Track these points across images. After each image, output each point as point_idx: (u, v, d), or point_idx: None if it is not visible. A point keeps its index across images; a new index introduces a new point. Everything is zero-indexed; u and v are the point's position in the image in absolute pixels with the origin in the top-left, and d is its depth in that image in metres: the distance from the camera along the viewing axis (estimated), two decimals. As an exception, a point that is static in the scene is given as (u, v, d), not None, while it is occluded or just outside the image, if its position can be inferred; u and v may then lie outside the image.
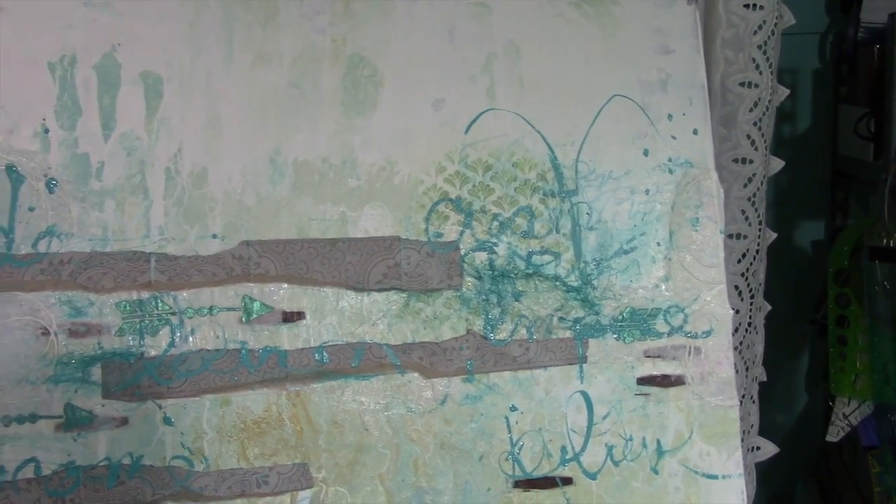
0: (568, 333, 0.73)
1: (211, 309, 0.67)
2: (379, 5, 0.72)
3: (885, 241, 1.02)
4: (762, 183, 0.90)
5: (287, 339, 0.68)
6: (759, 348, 0.96)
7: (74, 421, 0.65)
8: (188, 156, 0.68)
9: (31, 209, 0.65)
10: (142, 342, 0.66)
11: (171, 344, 0.66)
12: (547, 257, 0.73)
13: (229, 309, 0.67)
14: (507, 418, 0.72)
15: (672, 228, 0.75)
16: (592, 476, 0.72)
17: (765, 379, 0.99)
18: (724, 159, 0.88)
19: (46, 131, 0.65)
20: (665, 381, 0.74)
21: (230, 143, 0.68)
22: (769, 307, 0.98)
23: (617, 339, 0.73)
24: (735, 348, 0.85)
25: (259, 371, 0.67)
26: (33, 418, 0.64)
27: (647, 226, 0.74)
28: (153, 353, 0.66)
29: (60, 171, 0.65)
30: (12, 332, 0.64)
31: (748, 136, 0.89)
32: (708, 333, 0.75)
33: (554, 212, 0.73)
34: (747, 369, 0.93)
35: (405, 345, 0.70)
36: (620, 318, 0.74)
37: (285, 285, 0.68)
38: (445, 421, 0.71)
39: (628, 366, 0.73)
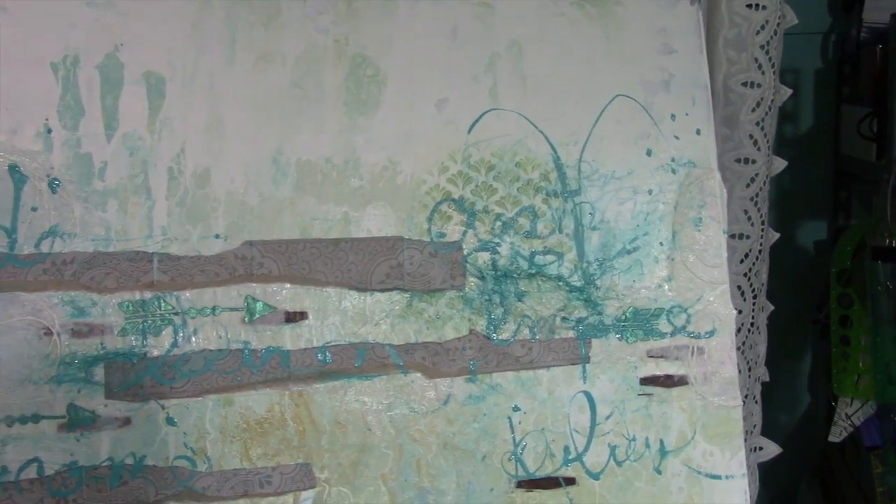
0: (571, 333, 0.73)
1: (214, 309, 0.67)
2: (381, 5, 0.72)
3: (887, 241, 1.02)
4: (765, 183, 0.90)
5: (290, 339, 0.68)
6: (762, 348, 0.96)
7: (77, 421, 0.65)
8: (191, 156, 0.68)
9: (34, 209, 0.65)
10: (144, 342, 0.66)
11: (174, 344, 0.66)
12: (550, 257, 0.72)
13: (232, 309, 0.67)
14: (509, 418, 0.71)
15: (675, 228, 0.75)
16: (595, 476, 0.72)
17: (767, 379, 0.99)
18: (727, 159, 0.88)
19: (49, 131, 0.65)
20: (668, 382, 0.74)
21: (233, 143, 0.68)
22: (772, 307, 0.98)
23: (620, 340, 0.73)
24: (738, 348, 0.85)
25: (262, 371, 0.67)
26: (36, 418, 0.64)
27: (649, 226, 0.74)
28: (156, 353, 0.66)
29: (63, 172, 0.65)
30: (15, 332, 0.64)
31: (751, 136, 0.89)
32: (711, 333, 0.75)
33: (557, 212, 0.73)
34: (750, 369, 0.93)
35: (408, 345, 0.70)
36: (623, 318, 0.73)
37: (288, 285, 0.68)
38: (448, 421, 0.71)
39: (631, 366, 0.73)
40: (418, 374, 0.70)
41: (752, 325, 0.92)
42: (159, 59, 0.68)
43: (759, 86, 0.88)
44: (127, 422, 0.66)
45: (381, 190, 0.70)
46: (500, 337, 0.71)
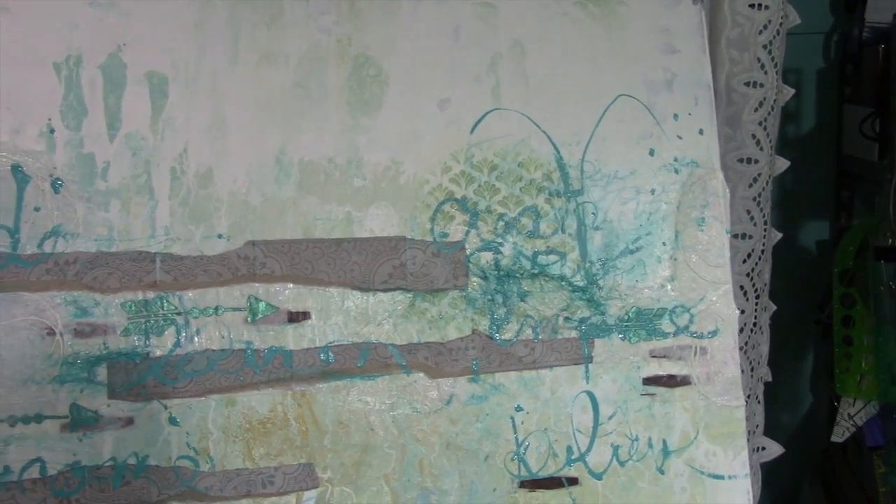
0: (573, 333, 0.73)
1: (216, 309, 0.67)
2: (384, 5, 0.72)
3: (890, 241, 1.02)
4: (767, 183, 0.90)
5: (292, 339, 0.68)
6: (765, 348, 0.96)
7: (80, 421, 0.65)
8: (193, 156, 0.68)
9: (37, 209, 0.65)
10: (147, 342, 0.66)
11: (177, 344, 0.66)
12: (552, 257, 0.72)
13: (235, 309, 0.67)
14: (512, 418, 0.71)
15: (678, 228, 0.75)
16: (598, 476, 0.72)
17: (770, 379, 0.99)
18: (730, 159, 0.88)
19: (52, 131, 0.65)
20: (671, 382, 0.74)
21: (236, 143, 0.68)
22: (774, 307, 0.98)
23: (623, 339, 0.73)
24: (740, 348, 0.85)
25: (264, 371, 0.67)
26: (39, 418, 0.64)
27: (652, 226, 0.74)
28: (159, 353, 0.66)
29: (66, 172, 0.65)
30: (18, 332, 0.64)
31: (753, 136, 0.89)
32: (714, 333, 0.75)
33: (559, 212, 0.73)
34: (752, 369, 0.93)
35: (411, 345, 0.70)
36: (626, 318, 0.73)
37: (291, 285, 0.68)
38: (451, 421, 0.71)
39: (634, 366, 0.73)
40: (421, 374, 0.70)
41: (754, 325, 0.92)
42: (162, 59, 0.68)
43: (761, 85, 0.88)
44: (130, 422, 0.66)
45: (384, 190, 0.70)
46: (502, 337, 0.71)
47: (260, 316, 0.68)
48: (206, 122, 0.68)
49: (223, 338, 0.67)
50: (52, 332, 0.64)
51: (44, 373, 0.64)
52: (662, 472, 0.73)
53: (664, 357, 0.74)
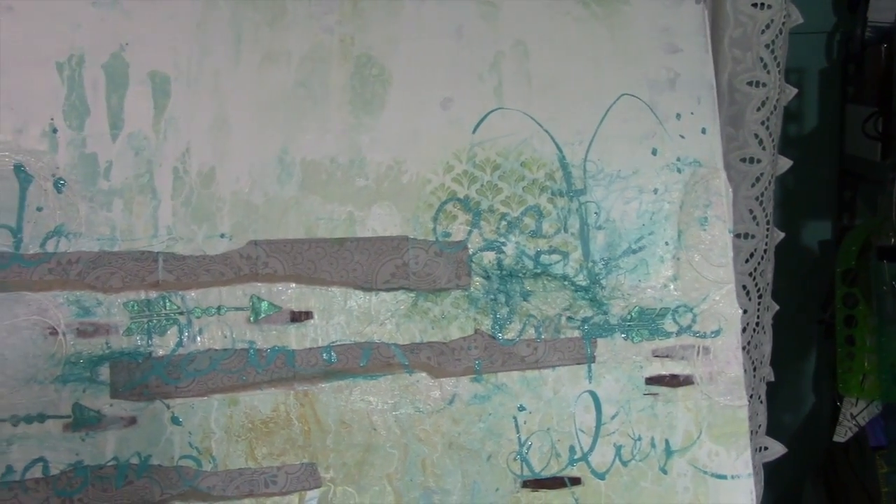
0: (576, 333, 0.73)
1: (219, 308, 0.67)
2: (387, 5, 0.72)
3: (892, 240, 1.02)
4: (770, 182, 0.90)
5: (295, 338, 0.68)
6: (767, 348, 0.96)
7: (82, 421, 0.65)
8: (196, 155, 0.68)
9: (40, 209, 0.65)
10: (150, 342, 0.66)
11: (179, 343, 0.66)
12: (555, 257, 0.72)
13: (237, 308, 0.67)
14: (515, 418, 0.71)
15: (680, 228, 0.75)
16: (601, 476, 0.72)
17: (772, 379, 0.99)
18: (732, 159, 0.88)
19: (54, 131, 0.65)
20: (674, 381, 0.74)
21: (238, 142, 0.68)
22: (777, 307, 0.97)
23: (625, 339, 0.73)
24: (743, 348, 0.85)
25: (267, 371, 0.67)
26: (41, 418, 0.64)
27: (655, 225, 0.74)
28: (161, 352, 0.66)
29: (68, 171, 0.65)
30: (20, 331, 0.64)
31: (756, 136, 0.89)
32: (716, 333, 0.75)
33: (562, 211, 0.73)
34: (755, 369, 0.93)
35: (413, 344, 0.70)
36: (629, 317, 0.73)
37: (293, 285, 0.68)
38: (454, 421, 0.70)
39: (637, 365, 0.73)
40: (423, 374, 0.70)
41: (757, 324, 0.92)
42: (164, 59, 0.68)
43: (764, 85, 0.88)
44: (132, 421, 0.66)
45: (386, 189, 0.70)
46: (505, 336, 0.71)
47: (262, 316, 0.68)
48: (208, 121, 0.68)
49: (226, 337, 0.67)
50: (54, 332, 0.64)
51: (46, 372, 0.64)
52: (665, 472, 0.73)
53: (667, 357, 0.74)
